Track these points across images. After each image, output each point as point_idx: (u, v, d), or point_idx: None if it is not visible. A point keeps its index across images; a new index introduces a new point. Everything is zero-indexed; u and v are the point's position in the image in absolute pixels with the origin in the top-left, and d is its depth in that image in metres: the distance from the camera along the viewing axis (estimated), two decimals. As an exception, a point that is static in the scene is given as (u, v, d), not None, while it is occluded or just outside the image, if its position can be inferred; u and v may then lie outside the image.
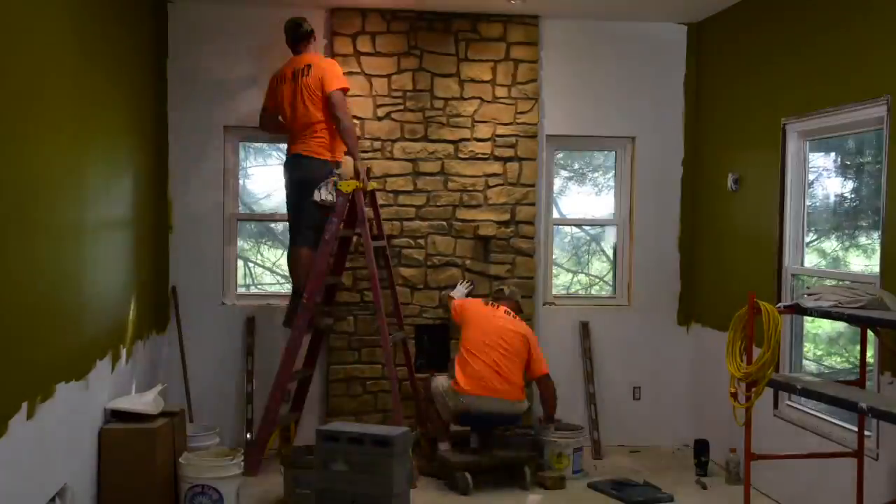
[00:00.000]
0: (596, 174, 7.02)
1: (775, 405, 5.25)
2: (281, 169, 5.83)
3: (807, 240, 5.24)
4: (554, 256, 6.67)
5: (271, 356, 6.16)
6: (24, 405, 3.34)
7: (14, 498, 3.26)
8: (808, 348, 5.39)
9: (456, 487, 5.23)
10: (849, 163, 5.20)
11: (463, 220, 6.23)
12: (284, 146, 5.77)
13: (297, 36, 5.64)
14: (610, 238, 6.85)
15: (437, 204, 6.21)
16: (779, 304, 4.25)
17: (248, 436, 5.94)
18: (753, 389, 4.06)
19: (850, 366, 4.96)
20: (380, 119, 6.14)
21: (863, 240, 5.00)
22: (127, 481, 4.49)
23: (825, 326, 5.30)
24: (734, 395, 4.18)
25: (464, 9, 6.11)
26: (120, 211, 5.01)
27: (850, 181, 5.16)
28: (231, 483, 4.70)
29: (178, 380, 5.94)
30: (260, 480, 5.27)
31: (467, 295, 6.06)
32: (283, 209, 5.86)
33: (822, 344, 5.50)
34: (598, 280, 7.07)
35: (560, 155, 6.75)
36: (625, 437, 6.49)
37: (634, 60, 6.47)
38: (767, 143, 5.38)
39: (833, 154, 5.34)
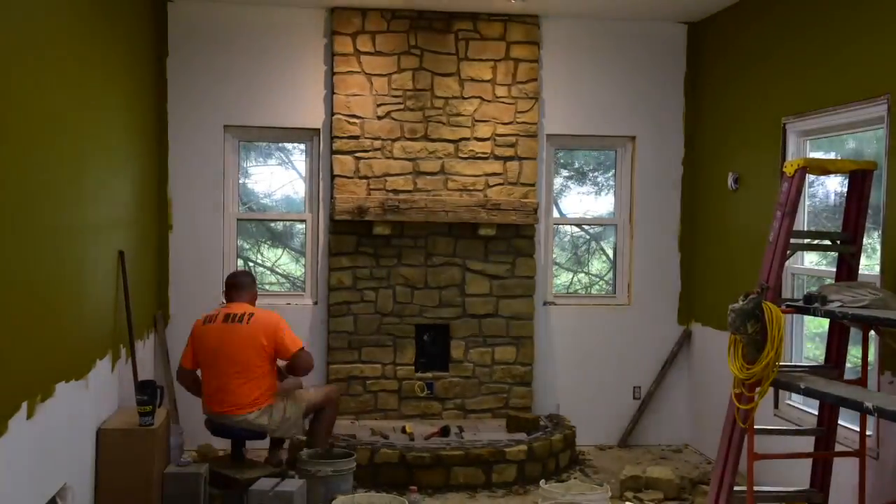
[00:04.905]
0: (596, 173, 7.01)
1: (776, 405, 5.25)
2: (280, 169, 5.79)
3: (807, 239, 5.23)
4: (554, 256, 6.67)
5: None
6: (24, 405, 3.33)
7: (14, 497, 3.25)
8: (808, 347, 5.38)
9: None
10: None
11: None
12: (284, 145, 5.69)
13: None
14: (610, 237, 6.85)
15: (438, 203, 6.21)
16: (782, 304, 4.24)
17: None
18: (757, 389, 4.05)
19: (851, 365, 4.95)
20: (380, 118, 6.13)
21: (863, 239, 4.99)
22: (125, 481, 4.48)
23: (825, 325, 5.28)
24: (738, 397, 4.16)
25: (464, 8, 6.10)
26: (120, 210, 5.00)
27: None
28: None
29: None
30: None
31: None
32: (283, 208, 5.83)
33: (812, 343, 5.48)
34: (598, 280, 7.07)
35: (561, 154, 6.75)
36: (622, 435, 6.50)
37: (634, 60, 6.46)
38: (767, 142, 5.38)
39: (833, 153, 5.33)
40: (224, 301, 5.40)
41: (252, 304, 5.15)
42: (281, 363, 5.07)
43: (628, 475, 5.35)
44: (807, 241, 4.76)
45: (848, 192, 4.44)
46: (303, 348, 4.99)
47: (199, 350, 4.98)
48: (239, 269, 6.06)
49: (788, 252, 4.24)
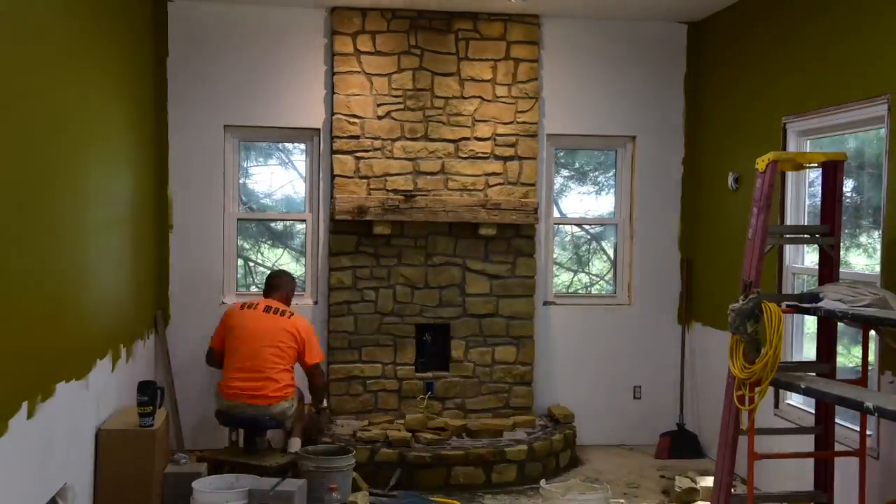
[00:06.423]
0: (596, 173, 7.01)
1: (776, 405, 5.25)
2: (280, 169, 5.79)
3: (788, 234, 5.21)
4: (554, 256, 6.67)
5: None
6: (25, 405, 3.33)
7: (15, 497, 3.25)
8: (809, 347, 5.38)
9: None
10: (850, 161, 5.19)
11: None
12: (284, 145, 5.67)
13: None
14: (610, 237, 6.85)
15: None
16: (782, 304, 4.24)
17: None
18: (757, 389, 4.05)
19: (852, 365, 4.95)
20: (380, 118, 6.13)
21: (863, 239, 5.00)
22: (125, 481, 4.47)
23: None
24: (741, 399, 4.16)
25: (464, 8, 6.10)
26: (120, 210, 5.00)
27: (851, 180, 5.15)
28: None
29: (176, 379, 5.93)
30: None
31: None
32: (283, 208, 5.81)
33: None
34: (598, 279, 7.07)
35: (561, 153, 6.75)
36: (625, 435, 6.50)
37: (634, 59, 6.46)
38: (768, 141, 5.37)
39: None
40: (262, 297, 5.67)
41: (286, 303, 5.54)
42: None
43: (683, 487, 5.17)
44: (788, 235, 4.82)
45: (822, 184, 4.46)
46: (318, 364, 5.44)
47: (234, 333, 5.33)
48: (276, 269, 6.12)
49: (768, 247, 4.26)
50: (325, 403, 5.67)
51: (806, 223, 5.23)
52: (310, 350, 5.33)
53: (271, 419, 5.24)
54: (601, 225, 6.91)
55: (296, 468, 5.07)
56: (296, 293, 6.03)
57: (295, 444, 5.35)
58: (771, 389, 4.62)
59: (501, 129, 6.23)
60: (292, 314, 5.41)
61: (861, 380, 4.17)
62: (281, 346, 5.24)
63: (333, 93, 6.11)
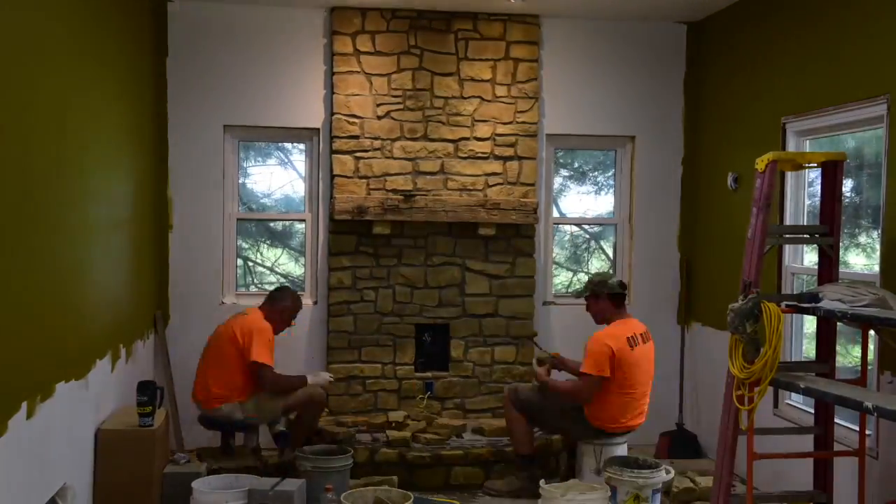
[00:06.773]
0: (596, 173, 7.02)
1: (775, 404, 5.26)
2: (280, 169, 5.81)
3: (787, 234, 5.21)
4: (554, 255, 6.67)
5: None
6: (24, 405, 3.33)
7: (14, 497, 3.25)
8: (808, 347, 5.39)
9: None
10: (849, 161, 5.19)
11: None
12: (283, 145, 5.68)
13: None
14: (610, 237, 6.85)
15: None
16: (781, 304, 4.24)
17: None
18: (757, 389, 4.05)
19: (851, 364, 4.95)
20: (379, 118, 6.13)
21: (862, 239, 5.01)
22: (124, 481, 4.46)
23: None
24: (741, 399, 4.16)
25: (464, 8, 6.10)
26: (120, 210, 4.99)
27: (850, 180, 5.15)
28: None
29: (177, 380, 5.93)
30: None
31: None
32: (282, 208, 5.83)
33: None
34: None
35: (560, 153, 6.75)
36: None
37: (634, 59, 6.47)
38: (767, 141, 5.37)
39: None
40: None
41: (269, 312, 5.50)
42: (311, 378, 5.53)
43: (681, 487, 5.18)
44: (787, 235, 4.84)
45: (822, 184, 4.46)
46: (264, 364, 5.27)
47: None
48: (281, 284, 6.29)
49: (767, 247, 4.28)
50: (280, 426, 5.48)
51: (805, 223, 5.23)
52: (252, 348, 5.25)
53: (225, 421, 5.37)
54: (601, 225, 6.91)
55: (294, 468, 5.09)
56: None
57: (287, 454, 5.38)
58: (770, 389, 4.62)
59: (501, 129, 6.23)
60: (245, 315, 5.43)
61: (860, 380, 4.17)
62: (216, 350, 5.39)
63: (333, 93, 6.11)
